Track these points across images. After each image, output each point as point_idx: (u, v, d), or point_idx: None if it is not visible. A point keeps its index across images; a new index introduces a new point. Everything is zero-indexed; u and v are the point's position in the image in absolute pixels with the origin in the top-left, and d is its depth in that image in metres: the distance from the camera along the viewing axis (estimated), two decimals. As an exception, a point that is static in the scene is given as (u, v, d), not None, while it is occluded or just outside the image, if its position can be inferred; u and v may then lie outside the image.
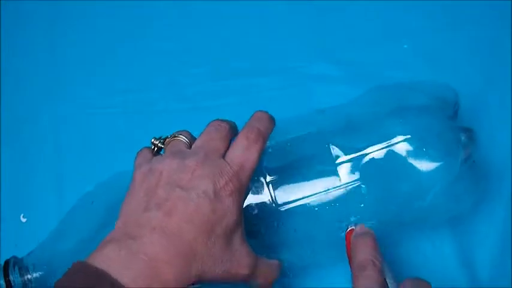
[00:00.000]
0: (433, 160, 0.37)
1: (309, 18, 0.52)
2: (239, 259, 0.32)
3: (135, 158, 0.37)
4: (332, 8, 0.52)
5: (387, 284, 0.32)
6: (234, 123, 0.37)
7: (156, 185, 0.32)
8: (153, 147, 0.37)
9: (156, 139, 0.37)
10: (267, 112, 0.37)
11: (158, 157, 0.35)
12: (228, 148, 0.34)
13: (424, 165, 0.37)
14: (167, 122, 0.50)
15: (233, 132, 0.36)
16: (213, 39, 0.52)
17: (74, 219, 0.40)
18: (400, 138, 0.37)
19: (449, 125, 0.38)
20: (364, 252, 0.33)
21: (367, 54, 0.50)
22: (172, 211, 0.31)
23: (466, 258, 0.43)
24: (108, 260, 0.29)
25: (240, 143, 0.34)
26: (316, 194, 0.37)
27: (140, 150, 0.37)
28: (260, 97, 0.50)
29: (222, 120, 0.36)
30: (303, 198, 0.37)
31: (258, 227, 0.37)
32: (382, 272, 0.32)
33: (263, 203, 0.37)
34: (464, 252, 0.43)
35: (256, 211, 0.37)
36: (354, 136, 0.38)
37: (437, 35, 0.51)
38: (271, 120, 0.36)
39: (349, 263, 0.35)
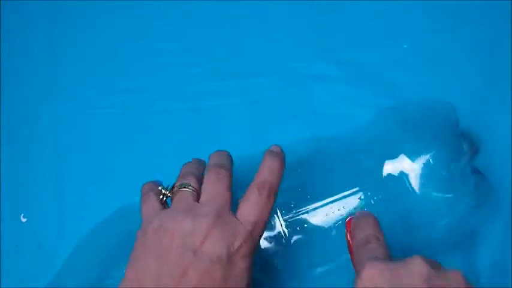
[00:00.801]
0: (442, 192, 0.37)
1: (309, 18, 0.52)
2: None
3: (142, 200, 0.36)
4: (332, 8, 0.52)
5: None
6: (230, 157, 0.36)
7: (168, 247, 0.31)
8: (161, 196, 0.35)
9: (163, 188, 0.36)
10: (279, 158, 0.35)
11: (168, 213, 0.33)
12: (231, 195, 0.33)
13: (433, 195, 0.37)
14: (167, 122, 0.50)
15: (232, 172, 0.35)
16: (213, 39, 0.52)
17: (82, 257, 0.40)
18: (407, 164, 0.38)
19: (458, 155, 0.38)
20: (367, 230, 0.32)
21: (367, 54, 0.50)
22: (184, 277, 0.30)
23: (466, 258, 0.43)
24: None
25: (252, 199, 0.33)
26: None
27: (146, 193, 0.36)
28: (260, 97, 0.50)
29: (220, 167, 0.34)
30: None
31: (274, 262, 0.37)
32: (387, 247, 0.31)
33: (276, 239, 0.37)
34: (464, 253, 0.43)
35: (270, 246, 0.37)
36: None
37: (437, 35, 0.51)
38: (283, 166, 0.34)
39: (349, 250, 0.33)
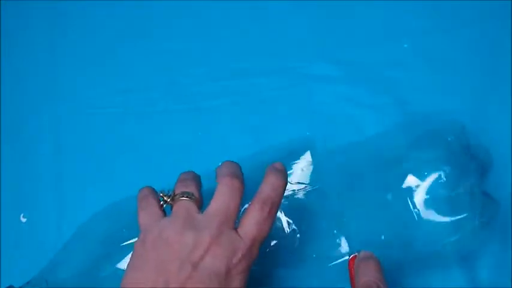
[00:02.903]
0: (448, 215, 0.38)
1: (309, 18, 0.52)
2: None
3: (139, 206, 0.35)
4: (332, 8, 0.52)
5: None
6: (240, 169, 0.35)
7: (167, 259, 0.31)
8: (161, 203, 0.35)
9: (164, 194, 0.35)
10: (281, 176, 0.34)
11: (168, 222, 0.33)
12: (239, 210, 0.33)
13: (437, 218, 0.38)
14: (167, 122, 0.50)
15: (241, 188, 0.34)
16: (213, 39, 0.52)
17: (71, 250, 0.40)
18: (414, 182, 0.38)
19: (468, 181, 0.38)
20: (368, 274, 0.33)
21: (367, 54, 0.50)
22: None
23: (466, 259, 0.43)
24: None
25: (254, 215, 0.33)
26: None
27: (144, 198, 0.35)
28: (260, 97, 0.50)
29: (235, 177, 0.34)
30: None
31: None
32: None
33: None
34: (464, 253, 0.43)
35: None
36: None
37: (437, 35, 0.51)
38: (285, 184, 0.34)
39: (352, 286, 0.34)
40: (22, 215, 0.48)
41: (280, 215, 0.38)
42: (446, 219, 0.38)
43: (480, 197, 0.38)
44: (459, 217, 0.38)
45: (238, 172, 0.34)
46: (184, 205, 0.33)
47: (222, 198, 0.33)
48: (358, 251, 0.35)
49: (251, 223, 0.32)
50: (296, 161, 0.39)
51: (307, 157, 0.39)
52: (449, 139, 0.39)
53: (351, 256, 0.36)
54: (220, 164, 0.35)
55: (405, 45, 0.50)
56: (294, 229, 0.38)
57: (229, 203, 0.33)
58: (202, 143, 0.49)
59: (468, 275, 0.43)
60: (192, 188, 0.34)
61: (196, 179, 0.35)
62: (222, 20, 0.53)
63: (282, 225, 0.38)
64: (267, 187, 0.33)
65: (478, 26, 0.50)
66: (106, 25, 0.54)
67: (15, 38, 0.54)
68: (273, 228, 0.33)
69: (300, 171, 0.39)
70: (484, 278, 0.43)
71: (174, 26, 0.53)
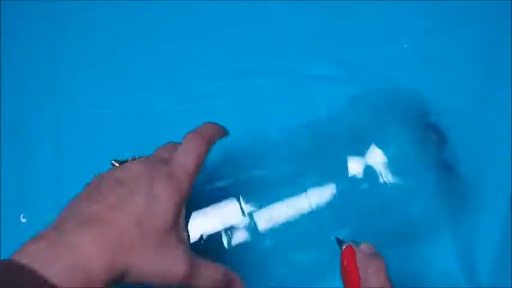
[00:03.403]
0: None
1: (309, 18, 0.52)
2: (175, 258, 0.31)
3: None
4: (332, 8, 0.52)
5: None
6: (215, 126, 0.38)
7: (100, 185, 0.34)
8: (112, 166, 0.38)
9: (116, 161, 0.39)
10: (214, 123, 0.38)
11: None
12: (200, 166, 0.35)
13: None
14: (167, 122, 0.50)
15: (210, 142, 0.36)
16: (213, 39, 0.52)
17: None
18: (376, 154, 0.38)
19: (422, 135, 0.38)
20: (379, 278, 0.32)
21: (367, 54, 0.50)
22: (109, 205, 0.31)
23: (466, 259, 0.43)
24: (34, 254, 0.29)
25: (181, 145, 0.35)
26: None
27: None
28: (260, 97, 0.50)
29: (198, 132, 0.36)
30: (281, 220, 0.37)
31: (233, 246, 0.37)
32: None
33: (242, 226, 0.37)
34: (464, 253, 0.43)
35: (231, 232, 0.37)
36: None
37: (437, 35, 0.51)
38: (218, 128, 0.37)
39: (345, 284, 0.33)
40: (22, 215, 0.48)
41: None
42: (405, 185, 0.37)
43: (435, 168, 0.38)
44: (416, 183, 0.38)
45: (208, 128, 0.37)
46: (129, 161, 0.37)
47: (157, 149, 0.38)
48: (354, 242, 0.34)
49: (178, 151, 0.35)
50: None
51: None
52: (409, 108, 0.40)
53: (344, 246, 0.34)
54: None
55: (405, 45, 0.50)
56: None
57: (160, 149, 0.37)
58: (202, 143, 0.49)
59: (468, 275, 0.43)
60: (143, 157, 0.37)
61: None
62: (222, 20, 0.53)
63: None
64: (198, 127, 0.37)
65: (478, 26, 0.50)
66: (106, 25, 0.54)
67: (15, 38, 0.54)
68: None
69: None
70: (484, 278, 0.43)
71: (174, 26, 0.53)
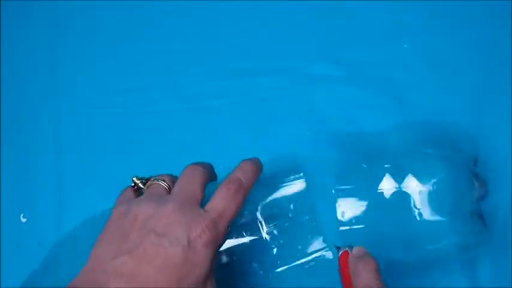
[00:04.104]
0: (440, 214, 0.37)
1: (309, 18, 0.52)
2: None
3: (118, 196, 0.37)
4: (332, 8, 0.52)
5: None
6: (210, 165, 0.37)
7: (130, 228, 0.31)
8: (133, 185, 0.37)
9: (138, 178, 0.37)
10: (253, 162, 0.36)
11: (136, 199, 0.34)
12: (204, 193, 0.34)
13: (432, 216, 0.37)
14: (167, 122, 0.50)
15: (210, 175, 0.36)
16: (213, 39, 0.52)
17: (59, 256, 0.40)
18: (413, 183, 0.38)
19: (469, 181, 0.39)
20: (368, 276, 0.32)
21: (367, 54, 0.50)
22: (143, 258, 0.30)
23: (466, 258, 0.43)
24: None
25: (220, 193, 0.34)
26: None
27: (124, 189, 0.37)
28: (260, 97, 0.50)
29: (198, 164, 0.36)
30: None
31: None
32: None
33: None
34: (464, 254, 0.43)
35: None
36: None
37: (437, 35, 0.50)
38: (257, 170, 0.36)
39: (342, 286, 0.34)
40: (22, 215, 0.48)
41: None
42: (439, 221, 0.37)
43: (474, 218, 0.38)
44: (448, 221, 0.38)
45: (203, 163, 0.36)
46: (153, 187, 0.35)
47: (185, 180, 0.34)
48: (350, 247, 0.35)
49: (217, 199, 0.33)
50: (288, 183, 0.39)
51: (300, 184, 0.39)
52: (460, 149, 0.39)
53: (341, 252, 0.35)
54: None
55: (405, 45, 0.50)
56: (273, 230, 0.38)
57: (190, 184, 0.34)
58: (202, 143, 0.49)
59: (468, 275, 0.43)
60: (165, 177, 0.36)
61: (174, 175, 0.36)
62: (222, 20, 0.53)
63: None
64: (236, 169, 0.35)
65: (478, 26, 0.50)
66: (106, 25, 0.54)
67: (15, 38, 0.54)
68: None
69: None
70: (484, 278, 0.43)
71: (174, 26, 0.53)
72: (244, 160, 0.36)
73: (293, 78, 0.50)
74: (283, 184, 0.39)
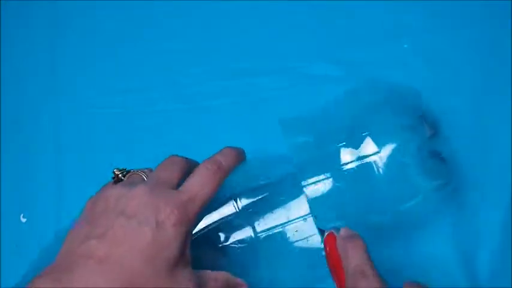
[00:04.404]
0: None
1: (309, 18, 0.52)
2: (183, 282, 0.31)
3: None
4: (332, 8, 0.52)
5: None
6: (195, 160, 0.37)
7: (101, 212, 0.32)
8: (113, 176, 0.37)
9: (118, 170, 0.37)
10: (235, 149, 0.37)
11: (111, 185, 0.34)
12: (181, 179, 0.34)
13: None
14: (167, 122, 0.50)
15: (191, 165, 0.36)
16: (213, 39, 0.52)
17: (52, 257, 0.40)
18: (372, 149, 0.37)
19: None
20: (358, 257, 0.32)
21: (367, 54, 0.50)
22: (112, 241, 0.30)
23: (466, 258, 0.43)
24: None
25: (197, 173, 0.34)
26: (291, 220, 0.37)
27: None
28: (260, 97, 0.50)
29: (179, 155, 0.36)
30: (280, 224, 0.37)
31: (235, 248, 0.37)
32: (380, 276, 0.31)
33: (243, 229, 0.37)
34: (464, 253, 0.43)
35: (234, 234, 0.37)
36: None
37: (437, 35, 0.50)
38: (238, 156, 0.36)
39: (331, 270, 0.34)
40: (22, 215, 0.48)
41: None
42: (402, 181, 0.37)
43: (430, 160, 0.38)
44: (412, 181, 0.37)
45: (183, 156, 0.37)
46: (132, 177, 0.35)
47: (162, 166, 0.35)
48: (335, 229, 0.35)
49: (192, 179, 0.33)
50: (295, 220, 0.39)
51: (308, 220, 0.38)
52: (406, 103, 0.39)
53: (327, 233, 0.34)
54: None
55: (405, 45, 0.50)
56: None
57: (168, 168, 0.35)
58: (202, 143, 0.49)
59: (468, 275, 0.43)
60: (145, 169, 0.36)
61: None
62: (222, 20, 0.53)
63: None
64: (217, 153, 0.35)
65: (478, 26, 0.50)
66: (106, 25, 0.54)
67: (15, 38, 0.54)
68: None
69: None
70: (484, 278, 0.43)
71: (174, 26, 0.53)
72: (226, 147, 0.37)
73: (293, 78, 0.50)
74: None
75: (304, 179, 0.37)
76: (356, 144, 0.38)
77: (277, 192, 0.38)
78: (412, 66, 0.49)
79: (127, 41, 0.53)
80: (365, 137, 0.38)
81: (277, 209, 0.38)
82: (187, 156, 0.37)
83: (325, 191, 0.37)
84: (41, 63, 0.53)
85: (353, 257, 0.33)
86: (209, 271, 0.33)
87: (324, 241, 0.35)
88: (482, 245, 0.44)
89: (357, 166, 0.37)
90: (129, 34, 0.53)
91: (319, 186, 0.37)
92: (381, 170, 0.37)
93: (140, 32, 0.53)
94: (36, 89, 0.52)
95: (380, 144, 0.37)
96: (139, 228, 0.30)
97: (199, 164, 0.36)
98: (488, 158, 0.46)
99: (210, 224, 0.36)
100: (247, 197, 0.37)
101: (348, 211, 0.38)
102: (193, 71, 0.51)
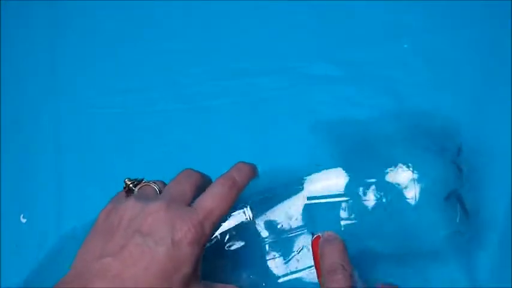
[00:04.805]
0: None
1: (309, 18, 0.52)
2: None
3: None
4: (332, 8, 0.52)
5: None
6: (208, 176, 0.37)
7: (116, 228, 0.31)
8: (125, 186, 0.36)
9: (130, 180, 0.36)
10: (249, 164, 0.36)
11: (124, 199, 0.34)
12: (195, 194, 0.34)
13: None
14: (167, 122, 0.50)
15: (205, 180, 0.35)
16: (213, 39, 0.52)
17: (59, 256, 0.40)
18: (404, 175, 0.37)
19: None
20: (333, 256, 0.33)
21: (367, 54, 0.50)
22: (128, 260, 0.30)
23: (466, 260, 0.43)
24: None
25: (212, 189, 0.33)
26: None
27: (116, 193, 0.37)
28: (260, 97, 0.50)
29: (194, 170, 0.36)
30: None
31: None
32: (352, 277, 0.32)
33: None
34: (464, 253, 0.43)
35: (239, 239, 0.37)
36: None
37: (437, 35, 0.51)
38: (251, 172, 0.36)
39: (317, 272, 0.34)
40: (22, 215, 0.48)
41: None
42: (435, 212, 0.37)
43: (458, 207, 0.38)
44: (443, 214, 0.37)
45: (198, 171, 0.36)
46: (144, 188, 0.35)
47: (176, 181, 0.35)
48: (322, 232, 0.35)
49: (207, 196, 0.33)
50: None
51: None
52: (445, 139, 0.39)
53: (314, 236, 0.35)
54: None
55: (405, 45, 0.50)
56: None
57: (183, 183, 0.34)
58: (202, 143, 0.49)
59: (468, 275, 0.43)
60: (156, 181, 0.36)
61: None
62: (222, 20, 0.53)
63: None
64: (232, 169, 0.35)
65: (478, 26, 0.50)
66: (106, 25, 0.54)
67: (15, 38, 0.54)
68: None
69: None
70: (484, 278, 0.43)
71: (174, 26, 0.53)
72: (240, 162, 0.36)
73: (293, 78, 0.50)
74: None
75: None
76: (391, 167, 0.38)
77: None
78: (412, 66, 0.50)
79: (127, 41, 0.53)
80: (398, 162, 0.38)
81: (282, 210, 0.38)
82: (199, 170, 0.37)
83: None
84: (41, 63, 0.53)
85: (328, 257, 0.33)
86: (220, 284, 0.34)
87: (312, 243, 0.35)
88: (482, 245, 0.44)
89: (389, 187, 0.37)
90: (129, 34, 0.53)
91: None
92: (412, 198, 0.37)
93: (140, 32, 0.53)
94: (36, 89, 0.52)
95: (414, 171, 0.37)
96: (155, 248, 0.30)
97: (211, 179, 0.36)
98: (488, 158, 0.46)
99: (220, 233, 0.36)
100: (257, 206, 0.37)
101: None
102: (193, 71, 0.51)
